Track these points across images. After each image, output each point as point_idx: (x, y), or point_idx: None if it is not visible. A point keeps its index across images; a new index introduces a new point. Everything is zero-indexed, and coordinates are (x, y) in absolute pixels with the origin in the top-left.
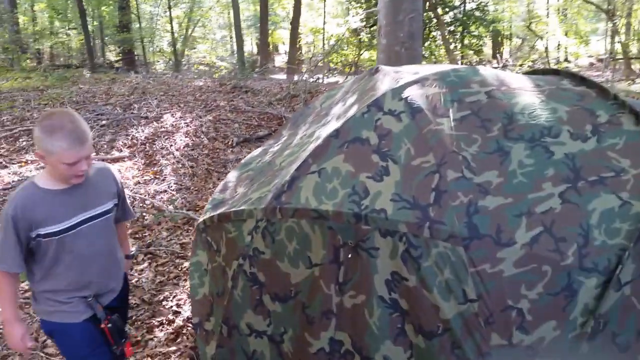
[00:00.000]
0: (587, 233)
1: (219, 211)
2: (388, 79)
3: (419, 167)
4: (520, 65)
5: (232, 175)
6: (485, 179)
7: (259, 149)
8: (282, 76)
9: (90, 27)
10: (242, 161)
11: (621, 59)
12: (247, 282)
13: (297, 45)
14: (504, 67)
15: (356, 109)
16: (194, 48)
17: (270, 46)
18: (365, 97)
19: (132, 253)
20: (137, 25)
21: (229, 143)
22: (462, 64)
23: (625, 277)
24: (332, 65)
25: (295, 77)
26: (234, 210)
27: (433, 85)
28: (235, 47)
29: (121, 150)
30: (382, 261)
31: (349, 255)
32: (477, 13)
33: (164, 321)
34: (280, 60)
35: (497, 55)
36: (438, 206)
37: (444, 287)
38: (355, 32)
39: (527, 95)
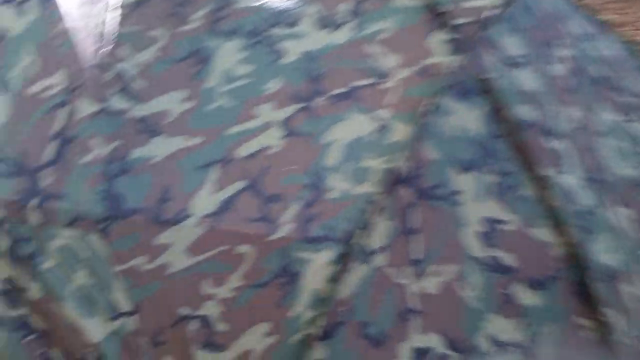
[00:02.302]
0: (319, 182)
1: None
2: None
3: (38, 96)
4: None
5: None
6: (158, 107)
7: None
8: None
9: None
10: None
11: None
12: None
13: None
14: None
15: None
16: None
17: None
18: None
19: None
20: None
21: None
22: None
23: (375, 241)
24: None
25: None
26: None
27: None
28: None
29: None
30: None
31: None
32: None
33: None
34: None
35: None
36: (58, 167)
37: (83, 298)
38: None
39: None
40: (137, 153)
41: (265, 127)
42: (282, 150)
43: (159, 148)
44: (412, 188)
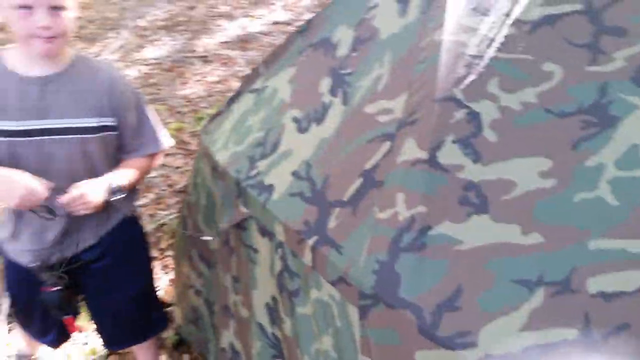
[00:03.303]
0: None
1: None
2: None
3: (372, 118)
4: None
5: None
6: (501, 175)
7: None
8: None
9: None
10: None
11: None
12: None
13: None
14: None
15: None
16: None
17: None
18: None
19: (117, 186)
20: None
21: None
22: None
23: None
24: None
25: None
26: None
27: None
28: None
29: None
30: (262, 272)
31: (232, 243)
32: None
33: None
34: None
35: None
36: (350, 211)
37: None
38: None
39: None
40: (443, 229)
41: None
42: None
43: (475, 232)
44: None
